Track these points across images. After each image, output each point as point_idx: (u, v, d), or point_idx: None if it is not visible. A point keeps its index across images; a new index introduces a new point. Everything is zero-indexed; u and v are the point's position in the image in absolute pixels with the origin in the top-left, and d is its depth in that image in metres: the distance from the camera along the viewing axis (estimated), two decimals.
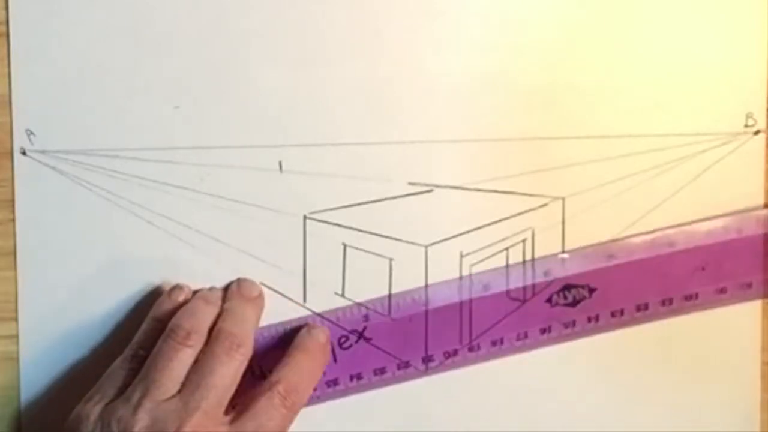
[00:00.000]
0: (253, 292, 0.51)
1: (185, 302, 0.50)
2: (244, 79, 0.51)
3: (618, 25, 0.51)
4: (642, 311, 0.53)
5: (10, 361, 0.52)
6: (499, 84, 0.51)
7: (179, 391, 0.47)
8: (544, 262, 0.52)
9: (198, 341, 0.48)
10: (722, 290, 0.53)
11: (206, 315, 0.49)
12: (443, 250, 0.52)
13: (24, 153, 0.51)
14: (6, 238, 0.51)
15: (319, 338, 0.51)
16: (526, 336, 0.53)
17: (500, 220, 0.52)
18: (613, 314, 0.53)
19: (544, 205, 0.52)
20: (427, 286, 0.52)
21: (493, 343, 0.53)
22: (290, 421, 0.48)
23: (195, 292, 0.51)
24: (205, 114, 0.51)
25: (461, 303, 0.52)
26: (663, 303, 0.53)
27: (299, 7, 0.50)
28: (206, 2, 0.50)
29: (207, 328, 0.49)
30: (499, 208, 0.52)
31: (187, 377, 0.47)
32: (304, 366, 0.50)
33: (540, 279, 0.52)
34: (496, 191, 0.52)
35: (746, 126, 0.52)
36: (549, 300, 0.52)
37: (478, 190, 0.52)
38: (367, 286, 0.52)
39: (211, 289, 0.51)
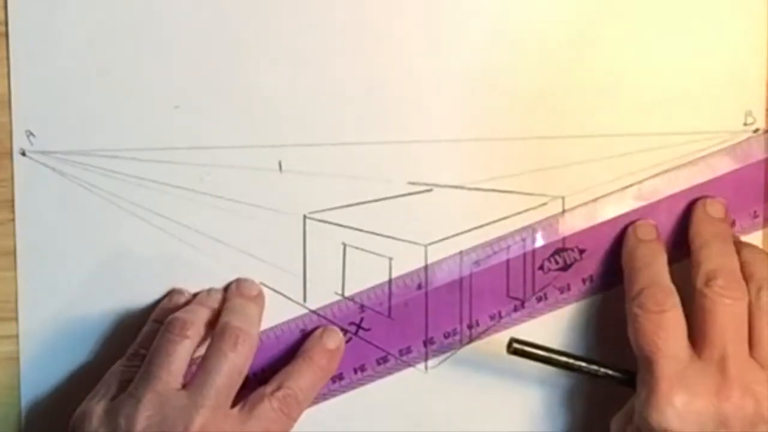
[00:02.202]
0: (253, 291, 0.52)
1: (185, 305, 0.51)
2: (244, 79, 0.51)
3: (617, 24, 0.51)
4: None
5: (10, 361, 0.52)
6: (499, 84, 0.51)
7: (185, 386, 0.47)
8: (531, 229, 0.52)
9: (195, 332, 0.48)
10: None
11: (203, 310, 0.50)
12: (443, 249, 0.52)
13: (23, 154, 0.50)
14: (6, 238, 0.51)
15: (328, 344, 0.51)
16: (523, 306, 0.53)
17: (500, 219, 0.52)
18: (606, 272, 0.53)
19: (544, 204, 0.52)
20: (426, 267, 0.52)
21: (491, 317, 0.53)
22: (290, 427, 0.49)
23: (195, 296, 0.52)
24: (205, 114, 0.51)
25: (460, 280, 0.52)
26: None
27: (299, 8, 0.50)
28: (206, 2, 0.50)
29: (204, 321, 0.49)
30: (498, 208, 0.52)
31: (194, 373, 0.47)
32: (306, 374, 0.50)
33: (529, 247, 0.52)
34: (495, 190, 0.52)
35: (745, 124, 0.52)
36: (541, 267, 0.52)
37: (478, 189, 0.52)
38: (367, 286, 0.52)
39: (210, 290, 0.52)
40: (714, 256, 0.49)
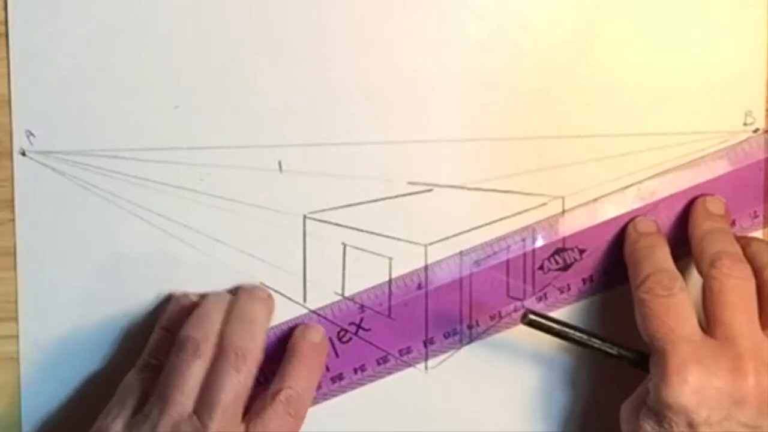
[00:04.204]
0: (261, 294, 0.51)
1: (192, 308, 0.50)
2: (244, 79, 0.51)
3: (617, 24, 0.51)
4: None
5: (10, 361, 0.52)
6: (499, 84, 0.51)
7: (194, 409, 0.47)
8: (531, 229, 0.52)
9: (207, 351, 0.48)
10: None
11: (214, 323, 0.49)
12: (443, 249, 0.52)
13: (23, 154, 0.50)
14: (6, 238, 0.51)
15: (313, 338, 0.51)
16: (523, 306, 0.53)
17: (500, 219, 0.52)
18: (606, 272, 0.53)
19: (544, 204, 0.52)
20: (426, 267, 0.52)
21: (491, 318, 0.53)
22: (298, 427, 0.49)
23: (203, 297, 0.51)
24: (205, 114, 0.51)
25: (460, 280, 0.52)
26: None
27: (299, 8, 0.50)
28: (206, 2, 0.50)
29: (216, 336, 0.49)
30: (498, 208, 0.52)
31: (200, 393, 0.47)
32: (301, 371, 0.50)
33: (529, 247, 0.52)
34: (495, 190, 0.52)
35: (745, 124, 0.52)
36: (541, 267, 0.52)
37: (478, 189, 0.52)
38: (367, 286, 0.52)
39: (218, 295, 0.51)
40: (716, 242, 0.49)
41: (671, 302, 0.47)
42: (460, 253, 0.52)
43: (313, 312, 0.52)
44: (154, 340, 0.50)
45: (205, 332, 0.48)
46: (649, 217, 0.52)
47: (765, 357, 0.46)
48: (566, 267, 0.53)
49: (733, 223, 0.52)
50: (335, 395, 0.53)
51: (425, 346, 0.53)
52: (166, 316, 0.51)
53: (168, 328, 0.50)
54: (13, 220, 0.51)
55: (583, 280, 0.53)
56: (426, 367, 0.53)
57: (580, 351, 0.50)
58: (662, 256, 0.50)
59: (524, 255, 0.52)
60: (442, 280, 0.52)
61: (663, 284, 0.47)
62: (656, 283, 0.48)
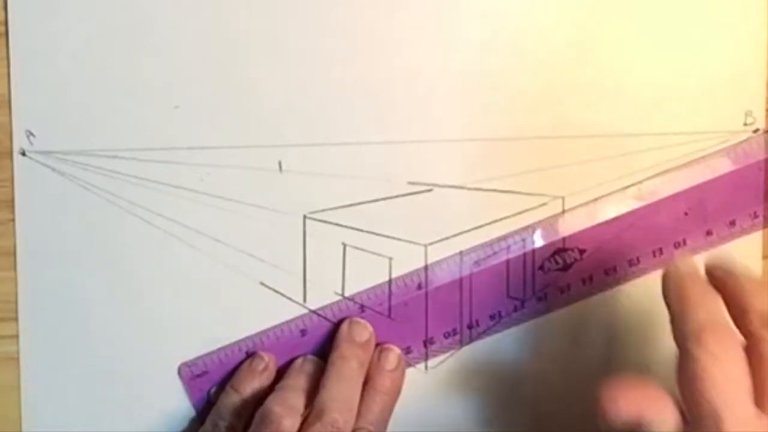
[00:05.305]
0: (363, 336, 0.51)
1: (265, 371, 0.51)
2: (244, 79, 0.51)
3: (617, 24, 0.51)
4: (635, 265, 0.53)
5: (10, 361, 0.52)
6: (499, 84, 0.51)
7: None
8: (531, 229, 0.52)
9: (293, 426, 0.47)
10: (708, 232, 0.53)
11: (299, 398, 0.49)
12: (443, 249, 0.52)
13: (23, 154, 0.51)
14: (6, 238, 0.51)
15: (388, 366, 0.51)
16: (523, 306, 0.53)
17: (500, 219, 0.52)
18: (606, 272, 0.53)
19: (544, 204, 0.52)
20: (426, 267, 0.52)
21: (491, 317, 0.53)
22: None
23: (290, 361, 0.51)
24: (205, 114, 0.51)
25: (460, 280, 0.52)
26: (654, 254, 0.53)
27: (299, 7, 0.50)
28: (206, 2, 0.50)
29: (302, 408, 0.48)
30: (498, 208, 0.52)
31: None
32: (377, 405, 0.49)
33: (529, 247, 0.52)
34: (495, 190, 0.52)
35: (745, 124, 0.52)
36: (541, 267, 0.52)
37: (478, 189, 0.52)
38: (367, 286, 0.52)
39: (303, 361, 0.51)
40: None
41: (731, 368, 0.40)
42: (460, 253, 0.52)
43: (313, 312, 0.52)
44: (222, 401, 0.50)
45: (288, 410, 0.47)
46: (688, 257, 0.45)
47: None
48: (566, 267, 0.53)
49: (733, 223, 0.52)
50: None
51: (425, 346, 0.53)
52: (237, 378, 0.51)
53: (237, 389, 0.50)
54: (13, 220, 0.51)
55: (583, 280, 0.53)
56: (426, 367, 0.53)
57: (581, 352, 0.50)
58: (716, 305, 0.42)
59: (524, 255, 0.52)
60: (442, 280, 0.52)
61: (724, 344, 0.40)
62: (715, 341, 0.40)
